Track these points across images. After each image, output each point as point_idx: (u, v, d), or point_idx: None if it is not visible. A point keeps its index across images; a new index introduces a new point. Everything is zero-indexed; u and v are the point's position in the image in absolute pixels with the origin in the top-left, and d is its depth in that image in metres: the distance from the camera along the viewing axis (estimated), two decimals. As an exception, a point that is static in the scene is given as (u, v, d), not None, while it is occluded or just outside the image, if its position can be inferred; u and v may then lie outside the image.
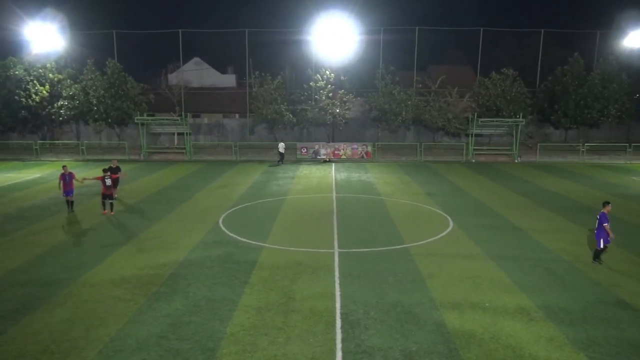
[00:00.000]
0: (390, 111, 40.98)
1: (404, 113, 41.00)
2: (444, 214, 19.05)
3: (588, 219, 18.22)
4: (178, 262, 13.20)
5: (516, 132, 37.44)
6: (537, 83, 44.88)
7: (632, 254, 14.05)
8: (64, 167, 19.63)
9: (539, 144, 39.45)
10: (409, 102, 41.26)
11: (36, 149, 37.89)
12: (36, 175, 28.76)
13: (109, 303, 10.56)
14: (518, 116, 38.25)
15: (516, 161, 36.67)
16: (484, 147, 40.55)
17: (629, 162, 36.08)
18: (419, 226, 17.16)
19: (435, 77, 43.90)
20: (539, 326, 9.54)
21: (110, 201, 18.84)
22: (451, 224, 17.49)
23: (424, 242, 15.20)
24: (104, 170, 18.99)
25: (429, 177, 28.79)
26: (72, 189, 19.02)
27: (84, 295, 11.01)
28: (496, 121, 37.85)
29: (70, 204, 19.01)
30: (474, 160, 37.07)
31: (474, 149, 38.12)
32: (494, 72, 41.96)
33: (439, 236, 15.90)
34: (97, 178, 18.89)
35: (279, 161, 34.66)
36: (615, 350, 8.65)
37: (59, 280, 11.89)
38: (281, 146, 35.10)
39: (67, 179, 18.87)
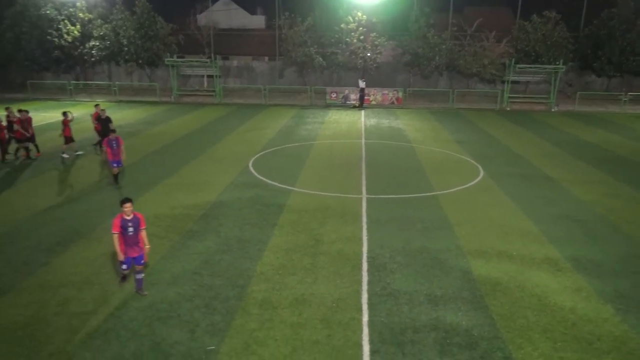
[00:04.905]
0: (423, 56, 39.65)
1: (437, 58, 39.63)
2: (474, 162, 18.77)
3: (624, 171, 17.70)
4: (209, 203, 13.53)
5: (555, 80, 35.91)
6: (581, 27, 42.43)
7: (669, 208, 13.66)
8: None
9: (578, 93, 37.85)
10: (443, 47, 39.76)
11: (70, 89, 38.47)
12: (71, 115, 29.36)
13: (144, 240, 10.96)
14: (558, 63, 36.51)
15: (553, 110, 35.40)
16: (520, 95, 39.13)
17: (673, 113, 34.40)
18: (449, 174, 16.99)
19: (471, 20, 41.86)
20: (566, 277, 9.52)
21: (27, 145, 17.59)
22: (481, 172, 17.25)
23: (453, 190, 15.09)
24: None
25: (461, 124, 28.17)
26: (120, 159, 14.81)
27: (120, 231, 11.42)
28: (534, 67, 36.28)
29: (117, 177, 15.06)
30: (508, 109, 35.96)
31: (509, 97, 36.88)
32: (535, 15, 39.71)
33: (468, 184, 15.75)
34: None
35: (358, 105, 34.80)
36: (643, 302, 8.60)
37: (95, 216, 12.37)
38: (362, 82, 34.89)
39: (114, 145, 14.39)
